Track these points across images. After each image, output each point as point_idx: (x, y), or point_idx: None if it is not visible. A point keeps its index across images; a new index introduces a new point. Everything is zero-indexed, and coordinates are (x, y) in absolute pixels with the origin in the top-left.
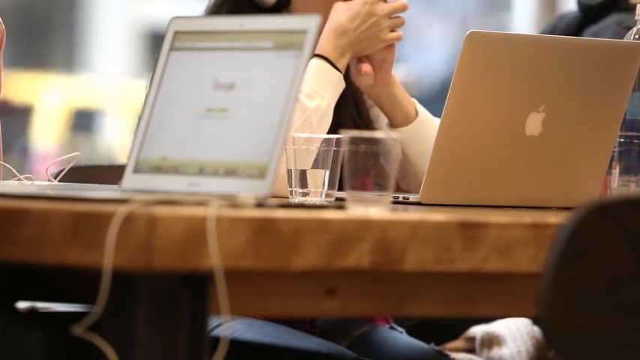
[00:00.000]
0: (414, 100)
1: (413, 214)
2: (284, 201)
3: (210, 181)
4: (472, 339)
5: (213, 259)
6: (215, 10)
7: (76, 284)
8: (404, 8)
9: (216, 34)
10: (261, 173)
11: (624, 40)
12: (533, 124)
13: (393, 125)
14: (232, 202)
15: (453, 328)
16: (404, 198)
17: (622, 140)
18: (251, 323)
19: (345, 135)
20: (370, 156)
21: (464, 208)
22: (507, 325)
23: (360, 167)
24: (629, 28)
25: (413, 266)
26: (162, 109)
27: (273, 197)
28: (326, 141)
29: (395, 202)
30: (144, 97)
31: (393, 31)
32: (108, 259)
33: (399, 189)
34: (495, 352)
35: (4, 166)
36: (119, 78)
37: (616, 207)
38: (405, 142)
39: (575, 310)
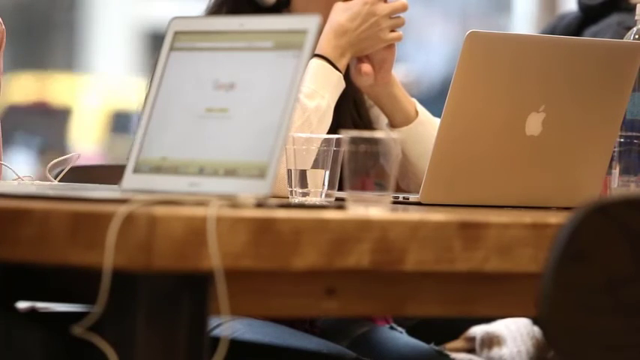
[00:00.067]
0: (414, 100)
1: (413, 214)
2: (284, 201)
3: (210, 181)
4: (472, 339)
5: (213, 259)
6: (215, 10)
7: (76, 284)
8: (404, 8)
9: (216, 34)
10: (261, 173)
11: (624, 40)
12: (533, 124)
13: (393, 125)
14: (232, 202)
15: (453, 328)
16: (404, 198)
17: (622, 140)
18: (251, 323)
19: (345, 135)
20: (370, 156)
21: (464, 208)
22: (507, 325)
23: (360, 167)
24: (630, 28)
25: (413, 266)
26: (163, 109)
27: (273, 197)
28: (326, 141)
29: (395, 202)
30: (144, 97)
31: (393, 31)
32: (108, 259)
33: (399, 189)
34: (495, 352)
35: (5, 165)
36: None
37: (616, 207)
38: (405, 142)
39: (575, 310)
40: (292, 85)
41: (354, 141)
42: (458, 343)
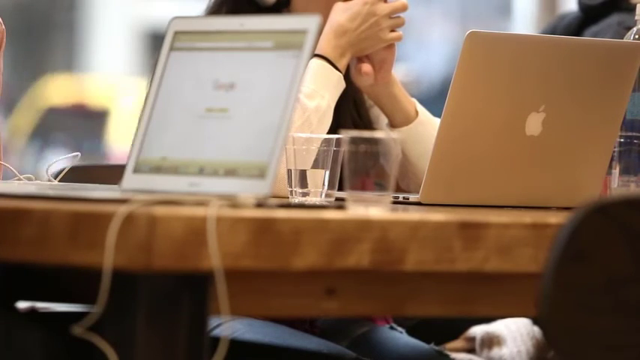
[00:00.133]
0: (414, 100)
1: (413, 214)
2: (284, 201)
3: (210, 181)
4: (472, 339)
5: (213, 259)
6: (215, 10)
7: (76, 284)
8: (404, 8)
9: (216, 34)
10: (261, 173)
11: (624, 40)
12: (533, 124)
13: (393, 125)
14: (232, 202)
15: (453, 328)
16: (404, 198)
17: (622, 140)
18: (251, 323)
19: (345, 135)
20: (370, 156)
21: (464, 208)
22: (507, 325)
23: (360, 167)
24: (630, 28)
25: (413, 266)
26: (163, 109)
27: (273, 197)
28: (326, 141)
29: (395, 202)
30: (144, 97)
31: (393, 30)
32: (108, 259)
33: (399, 189)
34: (495, 352)
35: (5, 165)
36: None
37: (616, 207)
38: (405, 142)
39: (575, 310)
40: (292, 85)
41: (354, 141)
42: (458, 343)
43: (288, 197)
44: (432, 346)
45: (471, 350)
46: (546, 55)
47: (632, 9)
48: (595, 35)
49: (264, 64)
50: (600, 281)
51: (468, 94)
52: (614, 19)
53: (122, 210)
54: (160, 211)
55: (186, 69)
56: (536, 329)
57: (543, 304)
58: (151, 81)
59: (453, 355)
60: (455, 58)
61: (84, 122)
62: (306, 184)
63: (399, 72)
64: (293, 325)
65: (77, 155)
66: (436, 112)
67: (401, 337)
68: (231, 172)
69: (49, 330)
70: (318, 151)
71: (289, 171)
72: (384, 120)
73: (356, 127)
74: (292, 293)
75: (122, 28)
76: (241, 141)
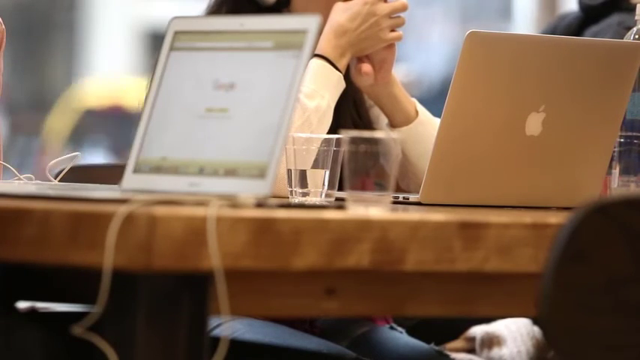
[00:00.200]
0: (414, 100)
1: (413, 214)
2: (284, 201)
3: (210, 181)
4: (472, 339)
5: (213, 259)
6: (215, 10)
7: (76, 284)
8: (404, 8)
9: (216, 34)
10: (261, 173)
11: (624, 40)
12: (533, 124)
13: (393, 125)
14: (232, 202)
15: (453, 328)
16: (404, 198)
17: (622, 140)
18: (251, 323)
19: (345, 135)
20: (370, 156)
21: (464, 208)
22: (507, 325)
23: (360, 167)
24: (630, 29)
25: (413, 266)
26: (163, 109)
27: (273, 197)
28: (326, 141)
29: (395, 202)
30: (144, 97)
31: (393, 30)
32: (108, 259)
33: (399, 189)
34: (495, 352)
35: (5, 165)
36: None
37: (616, 207)
38: (405, 142)
39: (575, 310)
40: (292, 85)
41: (354, 141)
42: (458, 343)
43: (288, 197)
44: (432, 346)
45: (471, 350)
46: (546, 55)
47: (632, 9)
48: (595, 35)
49: (264, 64)
50: (600, 281)
51: (468, 94)
52: (614, 19)
53: (122, 210)
54: (160, 211)
55: (186, 69)
56: (536, 329)
57: (543, 304)
58: (151, 81)
59: (453, 355)
60: (455, 58)
61: (121, 124)
62: (306, 184)
63: (400, 72)
64: (293, 325)
65: (77, 155)
66: (436, 112)
67: (401, 337)
68: (231, 172)
69: (49, 330)
70: (318, 151)
71: (289, 171)
72: (384, 120)
73: (356, 127)
74: (292, 293)
75: (122, 28)
76: (241, 141)
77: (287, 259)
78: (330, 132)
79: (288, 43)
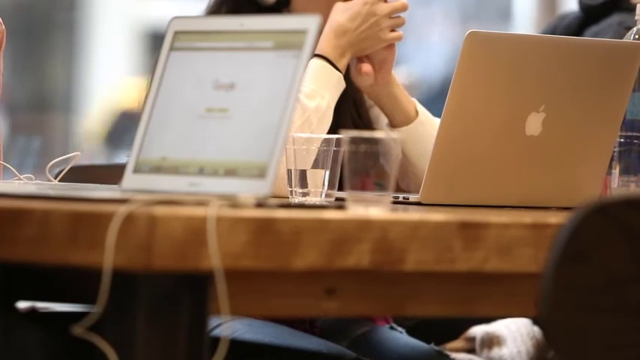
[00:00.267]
0: (414, 100)
1: (413, 214)
2: (284, 201)
3: (210, 181)
4: (472, 339)
5: (213, 259)
6: (215, 10)
7: (76, 284)
8: (404, 8)
9: (216, 34)
10: (261, 173)
11: (624, 40)
12: (533, 124)
13: (393, 125)
14: (232, 202)
15: (453, 328)
16: (404, 198)
17: (622, 140)
18: (251, 323)
19: (345, 135)
20: (370, 156)
21: (464, 208)
22: (507, 325)
23: (360, 167)
24: (630, 29)
25: (413, 266)
26: (163, 109)
27: (273, 197)
28: (326, 141)
29: (395, 202)
30: (144, 97)
31: (393, 30)
32: (108, 259)
33: (399, 189)
34: (495, 352)
35: (5, 165)
36: None
37: (616, 207)
38: (405, 142)
39: (575, 310)
40: (292, 85)
41: (354, 141)
42: (458, 343)
43: (288, 197)
44: (432, 346)
45: (471, 350)
46: (546, 55)
47: (632, 9)
48: (595, 35)
49: (264, 64)
50: (600, 281)
51: (468, 94)
52: (614, 19)
53: (122, 210)
54: (160, 211)
55: (186, 69)
56: (536, 329)
57: (543, 304)
58: (151, 81)
59: (453, 355)
60: (455, 58)
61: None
62: (306, 184)
63: (401, 74)
64: (293, 325)
65: (77, 155)
66: (436, 112)
67: (401, 337)
68: (231, 172)
69: (49, 330)
70: (318, 151)
71: (289, 171)
72: (384, 120)
73: (356, 127)
74: (292, 293)
75: (122, 28)
76: (241, 141)
77: (287, 259)
78: (330, 132)
79: (288, 43)
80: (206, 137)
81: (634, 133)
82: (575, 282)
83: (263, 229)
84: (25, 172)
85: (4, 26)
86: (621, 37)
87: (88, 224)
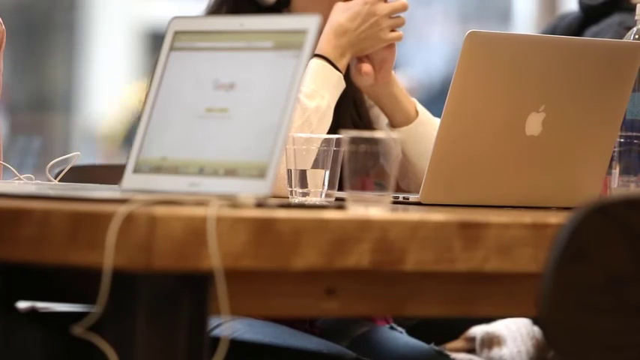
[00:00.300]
0: (414, 100)
1: (413, 214)
2: (284, 201)
3: (210, 181)
4: (472, 339)
5: (213, 259)
6: (215, 10)
7: (76, 284)
8: (404, 8)
9: (216, 34)
10: (261, 173)
11: (624, 40)
12: (533, 124)
13: (393, 125)
14: (232, 202)
15: (453, 328)
16: (404, 198)
17: (622, 140)
18: (251, 323)
19: (345, 135)
20: (370, 156)
21: (464, 208)
22: (507, 325)
23: (360, 167)
24: (630, 28)
25: (413, 266)
26: (163, 109)
27: (273, 197)
28: (326, 141)
29: (395, 202)
30: (144, 97)
31: (393, 30)
32: (108, 259)
33: (399, 189)
34: (495, 352)
35: (5, 165)
36: None
37: (616, 207)
38: (405, 142)
39: (575, 310)
40: (292, 85)
41: (354, 141)
42: (458, 343)
43: (288, 197)
44: (432, 346)
45: (471, 350)
46: (546, 55)
47: (632, 9)
48: (595, 35)
49: (264, 64)
50: (600, 281)
51: (468, 94)
52: (614, 19)
53: (122, 210)
54: (160, 211)
55: (186, 69)
56: (536, 329)
57: (543, 304)
58: (151, 81)
59: (453, 355)
60: (455, 58)
61: None
62: (306, 184)
63: (402, 77)
64: (293, 325)
65: (77, 155)
66: (436, 112)
67: (401, 337)
68: (231, 172)
69: (49, 330)
70: (318, 151)
71: (289, 171)
72: (384, 120)
73: (356, 127)
74: (292, 293)
75: (122, 28)
76: (241, 141)
77: (287, 259)
78: (330, 132)
79: (288, 43)
80: (206, 137)
81: (634, 133)
82: (575, 282)
83: (263, 229)
84: (25, 172)
85: (4, 26)
86: (621, 37)
87: (88, 224)
